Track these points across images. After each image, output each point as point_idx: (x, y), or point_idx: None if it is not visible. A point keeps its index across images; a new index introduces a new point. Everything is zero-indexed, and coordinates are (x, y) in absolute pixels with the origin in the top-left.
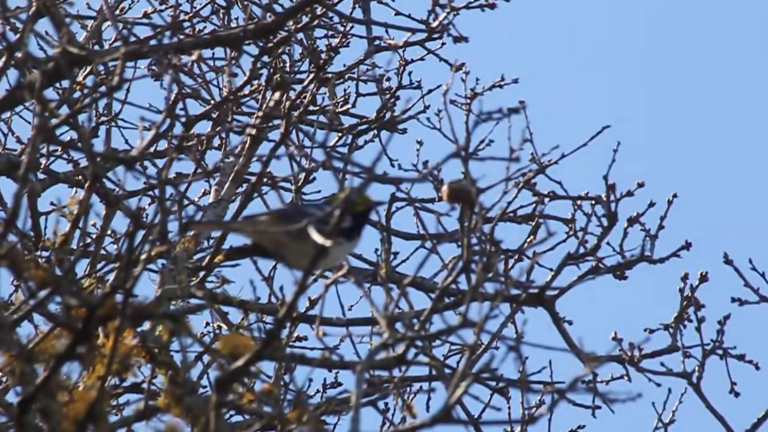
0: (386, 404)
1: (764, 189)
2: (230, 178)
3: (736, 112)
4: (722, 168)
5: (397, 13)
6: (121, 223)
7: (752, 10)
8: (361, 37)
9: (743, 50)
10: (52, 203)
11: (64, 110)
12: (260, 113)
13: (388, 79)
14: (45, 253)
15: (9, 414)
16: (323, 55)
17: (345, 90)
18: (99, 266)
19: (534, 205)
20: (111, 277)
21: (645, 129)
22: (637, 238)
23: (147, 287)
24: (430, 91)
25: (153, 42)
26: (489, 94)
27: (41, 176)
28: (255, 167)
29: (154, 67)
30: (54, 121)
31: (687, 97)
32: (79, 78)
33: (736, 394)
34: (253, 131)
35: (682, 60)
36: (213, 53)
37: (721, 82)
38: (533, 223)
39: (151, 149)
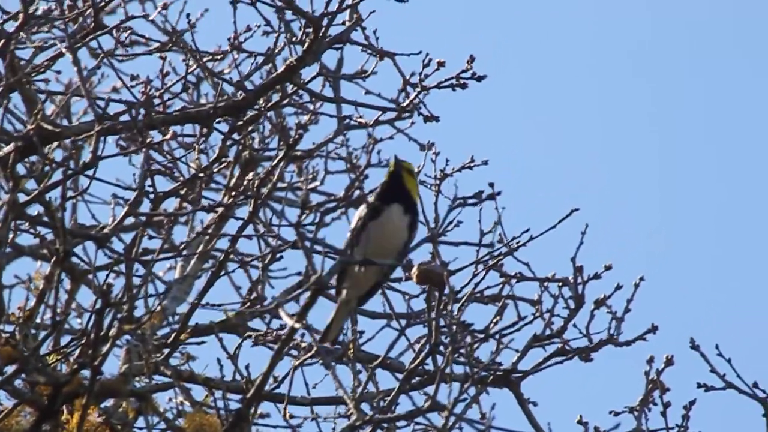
0: None
1: (731, 275)
2: (197, 255)
3: (702, 196)
4: (690, 252)
5: (368, 92)
6: (87, 298)
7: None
8: (330, 115)
9: (703, 135)
10: (16, 276)
11: (32, 184)
12: (229, 190)
13: (357, 158)
14: (9, 328)
15: None
16: (293, 133)
17: (314, 168)
18: (65, 342)
19: (501, 286)
20: (76, 353)
21: (613, 213)
22: (603, 321)
23: (112, 364)
24: None
25: (124, 117)
26: (459, 174)
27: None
28: (222, 244)
29: (123, 144)
30: (25, 197)
31: (655, 182)
32: (48, 152)
33: None
34: (222, 208)
35: (649, 145)
36: (182, 130)
37: (686, 169)
38: (500, 305)
39: (120, 225)
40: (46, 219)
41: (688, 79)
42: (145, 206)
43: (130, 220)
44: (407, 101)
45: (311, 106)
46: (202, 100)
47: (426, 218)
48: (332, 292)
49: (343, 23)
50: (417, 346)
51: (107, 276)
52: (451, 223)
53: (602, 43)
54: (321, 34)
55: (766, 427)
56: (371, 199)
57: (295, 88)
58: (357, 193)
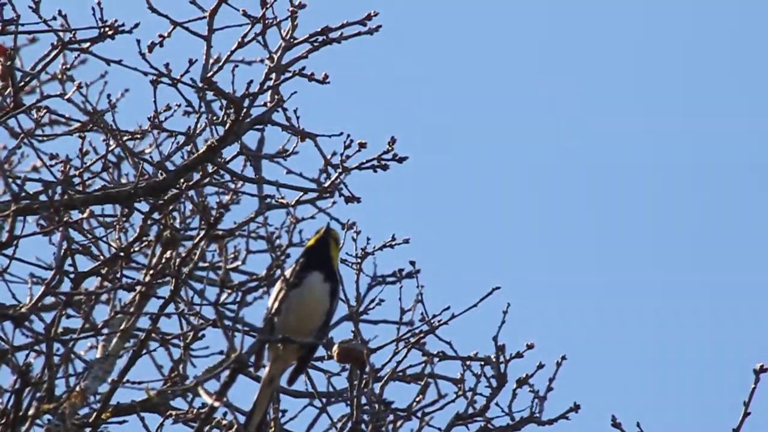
0: None
1: (652, 351)
2: (118, 334)
3: (623, 272)
4: (610, 331)
5: (289, 172)
6: (6, 378)
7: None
8: (252, 195)
9: (631, 213)
10: None
11: None
12: (150, 269)
13: (279, 237)
14: None
15: None
16: (214, 213)
17: (235, 247)
18: None
19: (423, 364)
20: None
21: (535, 290)
22: (526, 400)
23: None
24: None
25: (43, 197)
26: (380, 253)
27: None
28: (143, 323)
29: (43, 223)
30: None
31: (577, 259)
32: None
33: None
34: (143, 288)
35: (571, 222)
36: (103, 209)
37: (608, 246)
38: (423, 383)
39: (39, 304)
40: None
41: (620, 154)
42: (66, 285)
43: (50, 299)
44: (328, 182)
45: (232, 186)
46: (123, 180)
47: (347, 296)
48: (252, 369)
49: (265, 104)
50: (339, 425)
51: (27, 355)
52: (372, 301)
53: (521, 123)
54: (242, 115)
55: None
56: (292, 266)
57: (216, 168)
58: (278, 272)
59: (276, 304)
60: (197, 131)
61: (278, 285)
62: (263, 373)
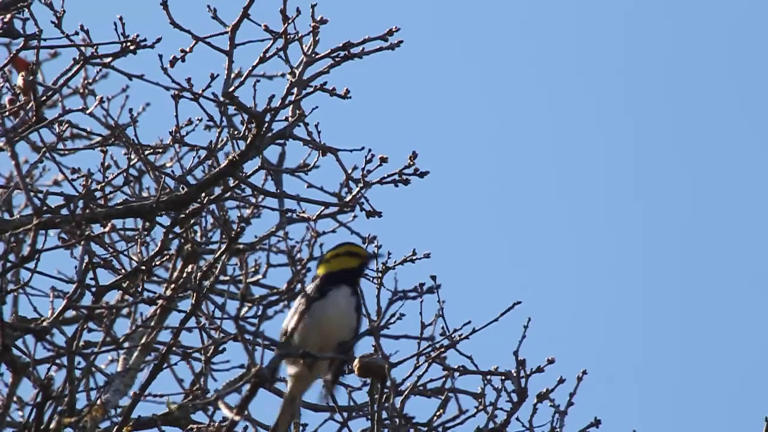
0: None
1: (674, 366)
2: (139, 348)
3: (642, 292)
4: (631, 346)
5: (310, 186)
6: (28, 391)
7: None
8: (272, 209)
9: (645, 227)
10: None
11: None
12: (171, 283)
13: (300, 251)
14: None
15: None
16: (235, 226)
17: (256, 261)
18: None
19: (444, 379)
20: None
21: (556, 305)
22: (546, 414)
23: None
24: None
25: (64, 211)
26: (401, 268)
27: None
28: (164, 337)
29: (64, 236)
30: None
31: (595, 273)
32: None
33: None
34: (164, 301)
35: (591, 238)
36: (124, 223)
37: (626, 262)
38: (443, 398)
39: (61, 318)
40: None
41: (631, 170)
42: (87, 299)
43: (71, 312)
44: (349, 196)
45: (253, 200)
46: (144, 194)
47: (368, 311)
48: (275, 384)
49: (286, 119)
50: None
51: (48, 369)
52: (393, 315)
53: (539, 138)
54: (263, 129)
55: None
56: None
57: (237, 182)
58: (299, 286)
59: (296, 318)
60: (218, 145)
61: (295, 304)
62: (285, 390)
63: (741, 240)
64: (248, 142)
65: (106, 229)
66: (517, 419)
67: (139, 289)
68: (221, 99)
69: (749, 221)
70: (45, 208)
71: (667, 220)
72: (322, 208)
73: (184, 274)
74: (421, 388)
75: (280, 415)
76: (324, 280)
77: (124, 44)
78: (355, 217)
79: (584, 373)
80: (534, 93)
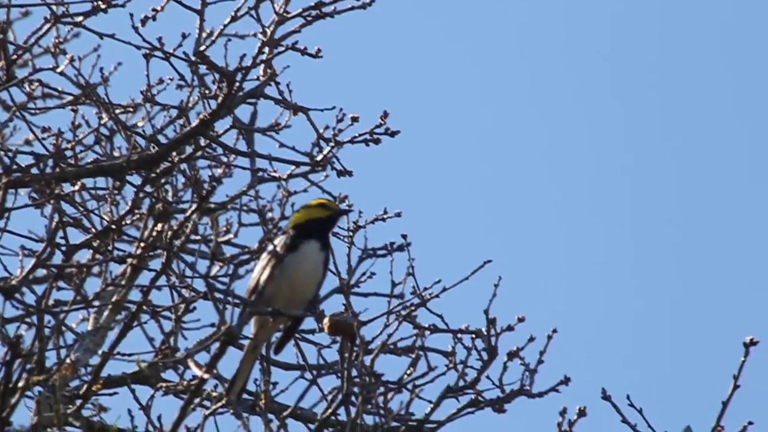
0: None
1: (642, 325)
2: (109, 307)
3: (613, 246)
4: (601, 304)
5: (281, 146)
6: None
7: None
8: (244, 168)
9: (617, 187)
10: None
11: None
12: (142, 242)
13: (271, 210)
14: None
15: None
16: (206, 186)
17: (227, 220)
18: None
19: (414, 337)
20: None
21: (526, 264)
22: (516, 372)
23: (23, 415)
24: None
25: (35, 170)
26: (372, 226)
27: None
28: (135, 296)
29: (35, 195)
30: None
31: (565, 232)
32: None
33: None
34: (134, 260)
35: (560, 197)
36: (95, 182)
37: (596, 221)
38: (413, 356)
39: (31, 277)
40: None
41: (603, 131)
42: (57, 258)
43: (41, 271)
44: (321, 155)
45: (225, 159)
46: (115, 153)
47: (338, 270)
48: (244, 342)
49: (257, 78)
50: (330, 397)
51: (17, 327)
52: (363, 274)
53: (510, 97)
54: (235, 89)
55: None
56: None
57: (208, 142)
58: (270, 246)
59: (268, 271)
60: (190, 105)
61: (265, 256)
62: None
63: (723, 208)
64: (219, 101)
65: (77, 188)
66: (488, 377)
67: (110, 248)
68: (192, 58)
69: (730, 197)
70: (15, 167)
71: (639, 176)
72: (294, 167)
73: (155, 234)
74: (391, 346)
75: (242, 362)
76: (295, 234)
77: (95, 3)
78: (326, 176)
79: (554, 331)
80: (510, 54)
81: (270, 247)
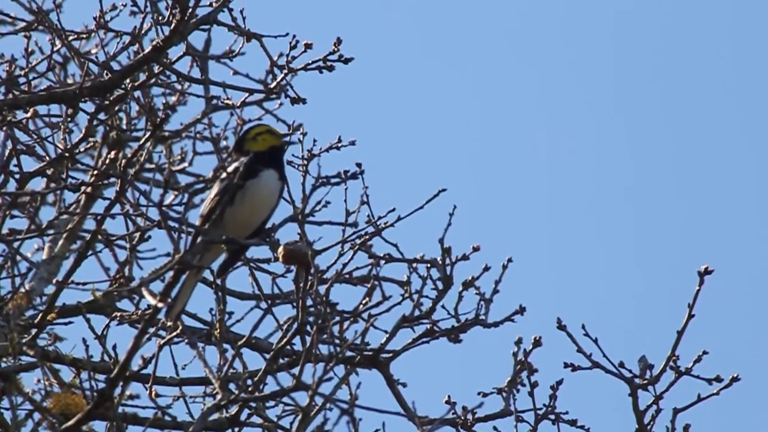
0: None
1: (596, 255)
2: (64, 236)
3: (567, 170)
4: (556, 234)
5: (235, 73)
6: None
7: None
8: (198, 96)
9: (575, 118)
10: None
11: None
12: (96, 171)
13: (225, 138)
14: None
15: None
16: (160, 114)
17: (182, 148)
18: None
19: (370, 267)
20: None
21: (481, 193)
22: (472, 302)
23: None
24: None
25: None
26: (326, 155)
27: None
28: (89, 225)
29: None
30: None
31: (523, 161)
32: None
33: None
34: (88, 189)
35: (516, 122)
36: (49, 110)
37: (554, 147)
38: (369, 286)
39: None
40: None
41: (570, 63)
42: (11, 186)
43: None
44: (275, 83)
45: (178, 87)
46: (69, 80)
47: (292, 198)
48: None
49: (210, 4)
50: (285, 326)
51: None
52: (318, 203)
53: (469, 23)
54: (188, 15)
55: (632, 407)
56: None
57: (161, 69)
58: (223, 174)
59: (225, 197)
60: (143, 31)
61: (218, 184)
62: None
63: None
64: (172, 27)
65: (30, 115)
66: (443, 307)
67: (64, 176)
68: None
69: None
70: None
71: (592, 103)
72: (248, 94)
73: (109, 162)
74: (346, 275)
75: (183, 284)
76: (253, 160)
77: None
78: (280, 104)
79: (509, 261)
80: None
81: (224, 174)
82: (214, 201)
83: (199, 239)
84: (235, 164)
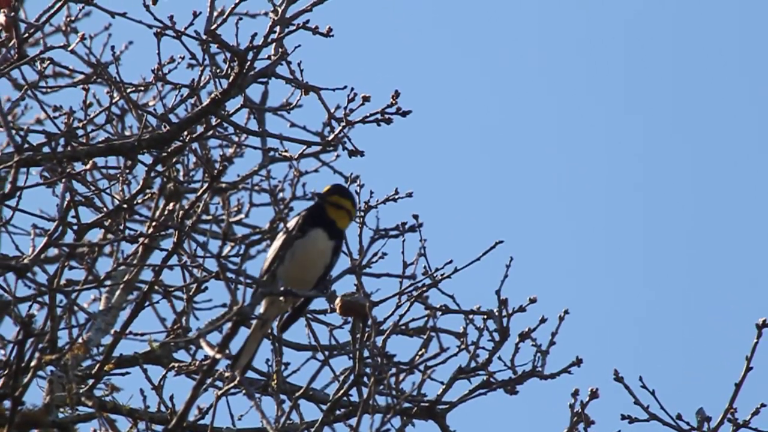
0: None
1: (655, 307)
2: (121, 286)
3: (625, 227)
4: (614, 285)
5: (292, 125)
6: (9, 329)
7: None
8: (255, 147)
9: (626, 168)
10: None
11: None
12: (153, 222)
13: (282, 190)
14: None
15: None
16: (217, 165)
17: (239, 200)
18: None
19: (426, 318)
20: None
21: (538, 245)
22: (528, 354)
23: (36, 394)
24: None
25: (46, 149)
26: (383, 207)
27: None
28: (146, 275)
29: (46, 174)
30: None
31: (577, 213)
32: None
33: None
34: (146, 240)
35: (570, 177)
36: (107, 161)
37: (607, 202)
38: (425, 337)
39: (42, 256)
40: None
41: (621, 121)
42: (69, 237)
43: (53, 250)
44: (332, 135)
45: (236, 139)
46: (127, 132)
47: (350, 250)
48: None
49: (268, 57)
50: (341, 378)
51: (29, 307)
52: (375, 254)
53: (522, 79)
54: (246, 68)
55: None
56: (296, 218)
57: (219, 121)
58: (281, 226)
59: (277, 255)
60: (201, 84)
61: (280, 236)
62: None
63: (734, 194)
64: (231, 80)
65: (88, 167)
66: (499, 358)
67: (121, 228)
68: (204, 37)
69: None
70: (26, 145)
71: (651, 161)
72: (305, 147)
73: (166, 213)
74: (402, 327)
75: (249, 338)
76: (306, 217)
77: None
78: (337, 156)
79: (566, 312)
80: (522, 37)
81: (281, 233)
82: (271, 257)
83: (257, 291)
84: (292, 220)
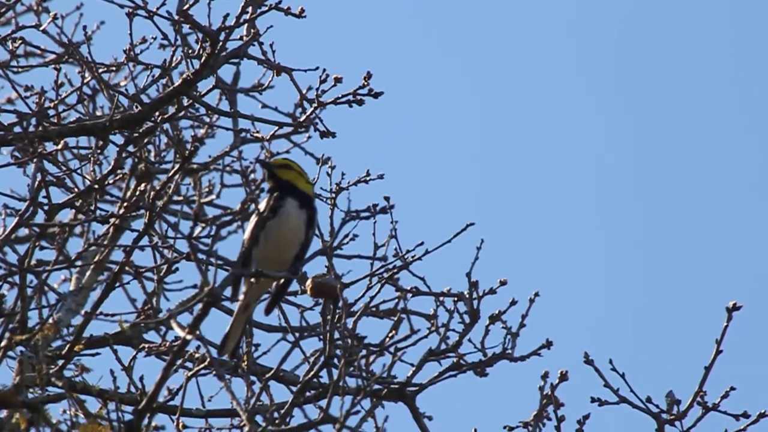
0: None
1: (624, 290)
2: (92, 267)
3: (595, 210)
4: (584, 268)
5: (264, 106)
6: None
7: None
8: (227, 129)
9: (594, 147)
10: None
11: None
12: (124, 203)
13: (254, 171)
14: None
15: None
16: (189, 146)
17: (210, 181)
18: None
19: (397, 300)
20: None
21: (509, 227)
22: (498, 336)
23: (5, 374)
24: None
25: (17, 129)
26: (355, 189)
27: None
28: (117, 256)
29: (17, 154)
30: None
31: (548, 195)
32: None
33: None
34: (117, 220)
35: (542, 158)
36: (78, 142)
37: (577, 183)
38: (396, 319)
39: (13, 236)
40: None
41: (582, 92)
42: (40, 217)
43: (23, 231)
44: (304, 116)
45: (207, 120)
46: (98, 113)
47: (321, 231)
48: (226, 303)
49: (241, 38)
50: (312, 359)
51: (0, 287)
52: (346, 236)
53: (496, 56)
54: (218, 48)
55: None
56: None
57: (191, 101)
58: (252, 207)
59: (253, 236)
60: (173, 64)
61: (254, 218)
62: (239, 300)
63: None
64: (202, 61)
65: (59, 147)
66: (469, 340)
67: (92, 208)
68: (176, 17)
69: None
70: None
71: (622, 135)
72: (277, 128)
73: (138, 194)
74: (373, 308)
75: (233, 322)
76: (277, 195)
77: None
78: (309, 137)
79: (536, 295)
80: (490, 15)
81: (254, 215)
82: (247, 239)
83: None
84: (263, 202)
